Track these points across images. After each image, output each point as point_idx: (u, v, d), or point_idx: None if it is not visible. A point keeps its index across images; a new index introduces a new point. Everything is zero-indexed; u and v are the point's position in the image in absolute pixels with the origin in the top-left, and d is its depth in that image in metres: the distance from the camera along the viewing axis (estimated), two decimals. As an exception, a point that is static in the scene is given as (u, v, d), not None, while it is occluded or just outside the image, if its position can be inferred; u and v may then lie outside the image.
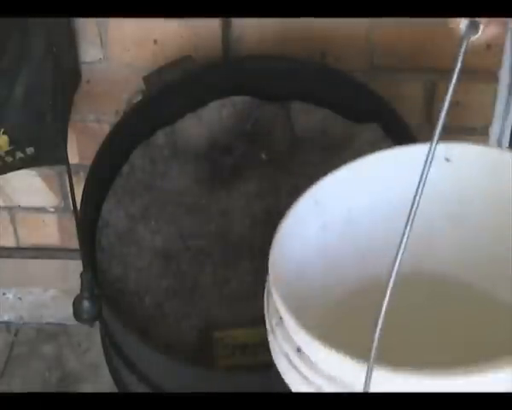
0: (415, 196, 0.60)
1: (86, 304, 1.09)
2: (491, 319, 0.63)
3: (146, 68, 1.30)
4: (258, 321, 1.12)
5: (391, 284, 0.58)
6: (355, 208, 0.84)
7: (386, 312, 0.58)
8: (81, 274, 1.10)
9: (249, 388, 1.04)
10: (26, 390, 1.54)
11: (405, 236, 0.59)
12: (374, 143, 1.20)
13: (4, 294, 1.66)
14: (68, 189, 1.22)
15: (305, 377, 0.64)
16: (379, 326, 0.58)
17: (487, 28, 0.66)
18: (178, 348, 1.12)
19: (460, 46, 0.63)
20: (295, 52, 1.30)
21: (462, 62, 0.63)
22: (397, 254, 0.59)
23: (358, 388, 0.60)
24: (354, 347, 0.62)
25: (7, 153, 1.22)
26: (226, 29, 1.32)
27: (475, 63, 1.26)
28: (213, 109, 1.25)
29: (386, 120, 1.21)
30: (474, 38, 0.65)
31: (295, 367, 0.65)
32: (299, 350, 0.65)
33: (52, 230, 1.58)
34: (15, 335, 1.65)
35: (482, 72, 1.30)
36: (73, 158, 1.43)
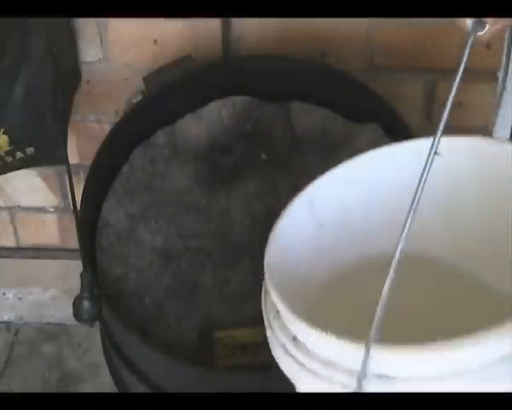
0: (416, 189, 0.61)
1: (86, 304, 1.09)
2: (475, 298, 0.64)
3: (146, 68, 1.30)
4: (258, 321, 1.12)
5: (392, 275, 0.60)
6: (351, 206, 0.85)
7: (381, 296, 0.60)
8: (81, 274, 1.10)
9: (249, 388, 1.04)
10: (26, 390, 1.54)
11: (407, 226, 0.61)
12: (374, 142, 1.20)
13: (4, 294, 1.66)
14: (68, 189, 1.22)
15: (302, 364, 0.65)
16: (380, 307, 0.60)
17: (494, 25, 0.67)
18: (178, 348, 1.12)
19: (466, 42, 0.64)
20: (295, 52, 1.30)
21: (468, 57, 0.64)
22: (398, 244, 0.60)
23: (355, 369, 0.61)
24: (346, 329, 0.63)
25: (7, 153, 1.22)
26: (226, 29, 1.32)
27: (475, 63, 1.26)
28: (213, 109, 1.25)
29: (386, 120, 1.21)
30: (480, 33, 0.66)
31: (292, 356, 0.67)
32: (294, 339, 0.67)
33: (52, 230, 1.58)
34: (15, 335, 1.65)
35: (482, 72, 1.30)
36: (73, 158, 1.43)
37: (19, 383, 1.56)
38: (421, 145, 0.78)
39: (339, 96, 1.24)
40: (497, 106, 1.33)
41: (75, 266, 1.16)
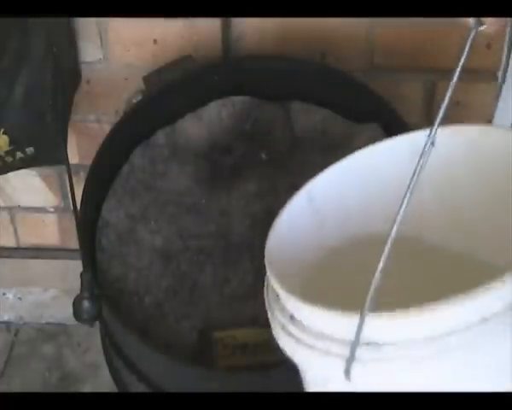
0: (411, 178, 0.64)
1: (86, 304, 1.09)
2: (476, 277, 0.64)
3: (146, 68, 1.30)
4: (258, 321, 1.13)
5: (387, 250, 0.62)
6: (350, 198, 0.87)
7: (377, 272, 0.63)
8: (81, 274, 1.10)
9: (249, 388, 1.04)
10: (26, 390, 1.54)
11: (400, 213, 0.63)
12: (374, 143, 1.20)
13: (4, 294, 1.66)
14: (68, 189, 1.22)
15: (299, 340, 0.69)
16: (376, 278, 0.62)
17: (495, 21, 0.67)
18: (178, 348, 1.12)
19: (468, 36, 0.65)
20: (295, 52, 1.30)
21: (470, 50, 0.65)
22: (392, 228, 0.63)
23: (348, 339, 0.64)
24: (341, 306, 0.66)
25: (7, 153, 1.22)
26: (226, 29, 1.32)
27: (475, 63, 1.26)
28: (213, 109, 1.25)
29: (386, 120, 1.21)
30: (481, 28, 0.67)
31: (290, 333, 0.70)
32: (292, 318, 0.70)
33: (52, 230, 1.58)
34: (15, 335, 1.65)
35: (482, 72, 1.30)
36: (73, 158, 1.43)
37: (19, 383, 1.56)
38: (418, 137, 0.80)
39: (339, 96, 1.24)
40: (496, 106, 1.34)
41: (75, 266, 1.16)
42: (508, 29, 0.73)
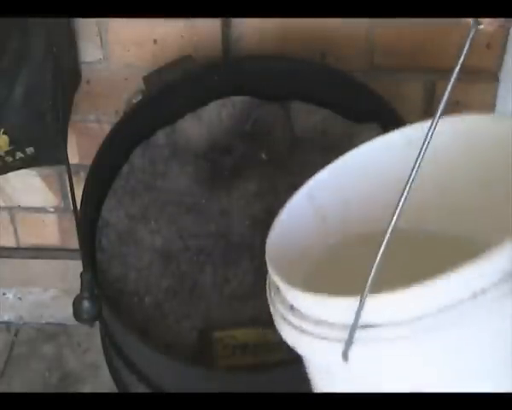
0: (412, 170, 0.65)
1: (86, 304, 1.09)
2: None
3: (146, 68, 1.30)
4: (259, 321, 1.13)
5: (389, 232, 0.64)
6: (350, 195, 0.88)
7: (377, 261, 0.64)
8: (81, 274, 1.10)
9: (249, 388, 1.04)
10: (26, 390, 1.54)
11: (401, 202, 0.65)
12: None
13: (4, 294, 1.66)
14: (68, 189, 1.22)
15: (299, 328, 0.71)
16: (377, 262, 0.64)
17: (495, 21, 0.68)
18: (178, 348, 1.12)
19: (467, 35, 0.66)
20: (295, 52, 1.30)
21: (470, 48, 0.65)
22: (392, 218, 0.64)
23: (347, 323, 0.66)
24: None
25: (7, 153, 1.22)
26: (226, 29, 1.32)
27: (475, 63, 1.26)
28: (213, 109, 1.25)
29: (386, 120, 1.21)
30: (480, 27, 0.67)
31: (291, 324, 0.72)
32: (291, 308, 0.72)
33: (52, 230, 1.58)
34: (15, 335, 1.65)
35: (482, 72, 1.30)
36: (73, 158, 1.43)
37: (19, 383, 1.56)
38: (412, 131, 0.84)
39: (339, 96, 1.24)
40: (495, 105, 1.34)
41: (75, 266, 1.16)
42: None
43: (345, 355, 0.66)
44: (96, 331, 1.40)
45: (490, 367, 0.68)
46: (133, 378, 1.16)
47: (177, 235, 1.19)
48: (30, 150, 1.23)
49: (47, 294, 1.64)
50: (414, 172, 0.65)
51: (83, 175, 1.38)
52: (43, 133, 1.22)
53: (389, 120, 1.20)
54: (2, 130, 1.18)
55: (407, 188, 0.65)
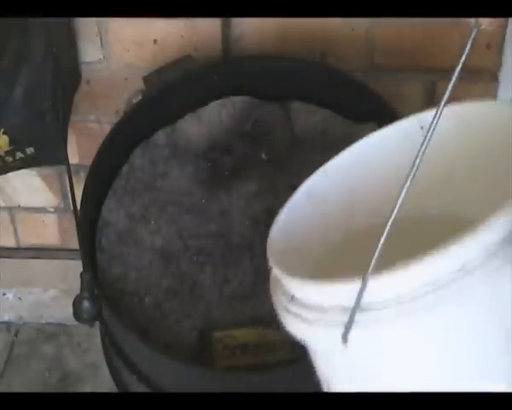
0: (414, 160, 0.66)
1: (86, 304, 1.09)
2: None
3: (146, 68, 1.30)
4: (259, 321, 1.13)
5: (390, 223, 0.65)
6: (350, 193, 0.89)
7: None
8: (81, 274, 1.10)
9: (249, 388, 1.04)
10: (26, 390, 1.54)
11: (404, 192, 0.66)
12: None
13: (4, 294, 1.66)
14: (68, 189, 1.22)
15: (300, 317, 0.72)
16: (380, 243, 0.65)
17: (494, 21, 0.68)
18: (178, 348, 1.12)
19: (470, 35, 0.67)
20: (295, 52, 1.30)
21: (472, 47, 0.66)
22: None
23: (345, 306, 0.67)
24: None
25: (7, 153, 1.22)
26: (226, 29, 1.32)
27: (475, 63, 1.26)
28: (213, 109, 1.25)
29: (386, 120, 1.21)
30: (482, 27, 0.68)
31: (292, 313, 0.73)
32: (292, 298, 0.74)
33: (52, 230, 1.58)
34: (15, 335, 1.65)
35: (482, 72, 1.30)
36: (73, 158, 1.43)
37: (19, 383, 1.56)
38: (407, 124, 0.87)
39: (339, 96, 1.24)
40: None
41: (75, 266, 1.16)
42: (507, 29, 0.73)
43: (344, 338, 0.67)
44: (96, 331, 1.40)
45: (488, 345, 0.69)
46: (133, 378, 1.16)
47: (177, 235, 1.19)
48: (30, 150, 1.23)
49: (47, 294, 1.64)
50: (417, 160, 0.66)
51: (83, 175, 1.38)
52: (43, 133, 1.22)
53: (389, 120, 1.20)
54: (2, 130, 1.18)
55: (410, 176, 0.66)
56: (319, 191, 0.88)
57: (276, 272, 0.76)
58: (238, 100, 1.25)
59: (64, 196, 1.52)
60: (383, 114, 1.21)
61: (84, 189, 1.17)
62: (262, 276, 1.15)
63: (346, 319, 0.67)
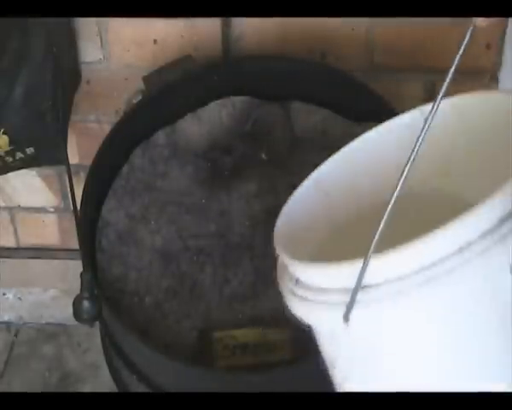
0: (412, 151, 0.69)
1: (86, 304, 1.09)
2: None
3: (146, 68, 1.30)
4: (259, 321, 1.13)
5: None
6: (357, 181, 0.92)
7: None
8: (81, 274, 1.10)
9: (249, 388, 1.04)
10: (26, 390, 1.54)
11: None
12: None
13: (4, 294, 1.66)
14: (68, 189, 1.22)
15: (305, 299, 0.74)
16: (383, 221, 0.67)
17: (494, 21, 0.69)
18: (178, 348, 1.12)
19: (470, 28, 0.69)
20: (295, 52, 1.30)
21: (470, 38, 0.68)
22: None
23: (348, 287, 0.68)
24: None
25: (7, 153, 1.22)
26: (226, 29, 1.32)
27: (475, 63, 1.26)
28: (213, 109, 1.25)
29: (386, 120, 1.21)
30: (483, 23, 0.69)
31: (296, 296, 0.75)
32: (297, 281, 0.76)
33: (52, 230, 1.58)
34: (15, 335, 1.65)
35: (482, 72, 1.30)
36: (73, 158, 1.43)
37: (19, 383, 1.57)
38: (410, 116, 0.92)
39: (339, 96, 1.24)
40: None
41: (75, 266, 1.16)
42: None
43: (346, 318, 0.69)
44: (96, 331, 1.40)
45: (485, 327, 0.70)
46: (133, 378, 1.16)
47: (177, 235, 1.19)
48: (30, 150, 1.23)
49: (47, 294, 1.64)
50: (417, 145, 0.69)
51: (83, 175, 1.38)
52: (43, 133, 1.22)
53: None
54: (2, 130, 1.18)
55: (411, 159, 0.68)
56: (326, 179, 0.90)
57: (282, 257, 0.78)
58: (238, 100, 1.25)
59: (64, 196, 1.52)
60: (383, 114, 1.21)
61: (84, 189, 1.17)
62: (262, 276, 1.16)
63: (347, 299, 0.69)
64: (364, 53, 1.32)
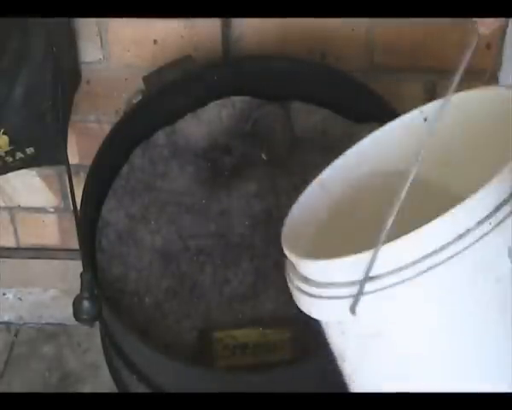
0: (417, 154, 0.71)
1: (86, 304, 1.09)
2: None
3: (146, 68, 1.30)
4: (258, 321, 1.13)
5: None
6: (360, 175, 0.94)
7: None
8: (81, 274, 1.10)
9: (249, 388, 1.04)
10: (26, 390, 1.54)
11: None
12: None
13: (4, 294, 1.66)
14: (68, 189, 1.22)
15: (313, 295, 0.76)
16: (393, 213, 0.70)
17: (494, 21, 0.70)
18: (178, 348, 1.12)
19: (470, 43, 0.70)
20: (295, 52, 1.30)
21: (476, 50, 0.70)
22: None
23: (352, 280, 0.71)
24: None
25: (7, 153, 1.22)
26: (226, 29, 1.32)
27: (475, 63, 1.26)
28: (213, 109, 1.25)
29: (386, 120, 1.21)
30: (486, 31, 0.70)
31: (304, 292, 0.78)
32: (305, 279, 0.78)
33: (52, 230, 1.58)
34: (15, 335, 1.65)
35: (482, 72, 1.30)
36: (73, 158, 1.43)
37: (19, 383, 1.56)
38: (411, 117, 0.94)
39: (339, 96, 1.24)
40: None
41: (75, 266, 1.16)
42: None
43: (352, 309, 0.71)
44: (96, 331, 1.40)
45: (481, 312, 0.72)
46: (133, 378, 1.16)
47: (177, 235, 1.19)
48: (30, 150, 1.23)
49: (47, 294, 1.64)
50: (422, 152, 0.71)
51: (83, 175, 1.38)
52: (43, 133, 1.22)
53: (389, 120, 1.20)
54: (2, 130, 1.18)
55: (416, 165, 0.70)
56: (330, 180, 0.93)
57: (290, 256, 0.80)
58: (238, 100, 1.25)
59: (64, 196, 1.52)
60: (383, 114, 1.21)
61: (84, 189, 1.17)
62: (262, 276, 1.16)
63: (353, 291, 0.71)
64: (364, 53, 1.32)
